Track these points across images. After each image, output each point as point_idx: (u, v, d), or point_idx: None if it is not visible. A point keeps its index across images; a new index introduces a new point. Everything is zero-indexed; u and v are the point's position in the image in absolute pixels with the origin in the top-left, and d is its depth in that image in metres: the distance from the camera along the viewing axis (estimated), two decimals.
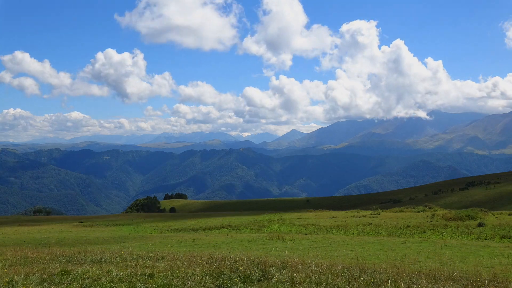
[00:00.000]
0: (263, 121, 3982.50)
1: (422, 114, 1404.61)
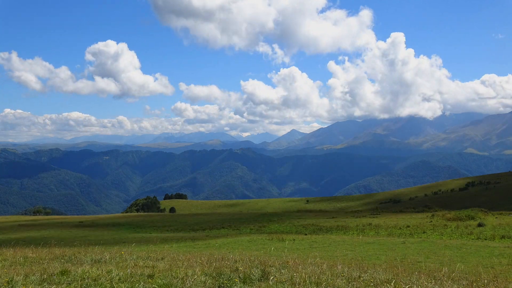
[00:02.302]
0: (266, 121, 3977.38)
1: (422, 114, 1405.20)
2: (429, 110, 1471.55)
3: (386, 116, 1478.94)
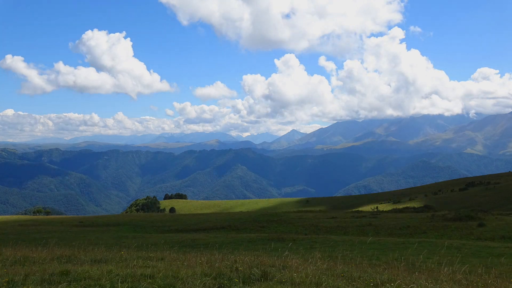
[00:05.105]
0: (267, 121, 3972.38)
1: (422, 114, 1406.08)
2: (456, 106, 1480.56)
3: (398, 113, 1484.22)
